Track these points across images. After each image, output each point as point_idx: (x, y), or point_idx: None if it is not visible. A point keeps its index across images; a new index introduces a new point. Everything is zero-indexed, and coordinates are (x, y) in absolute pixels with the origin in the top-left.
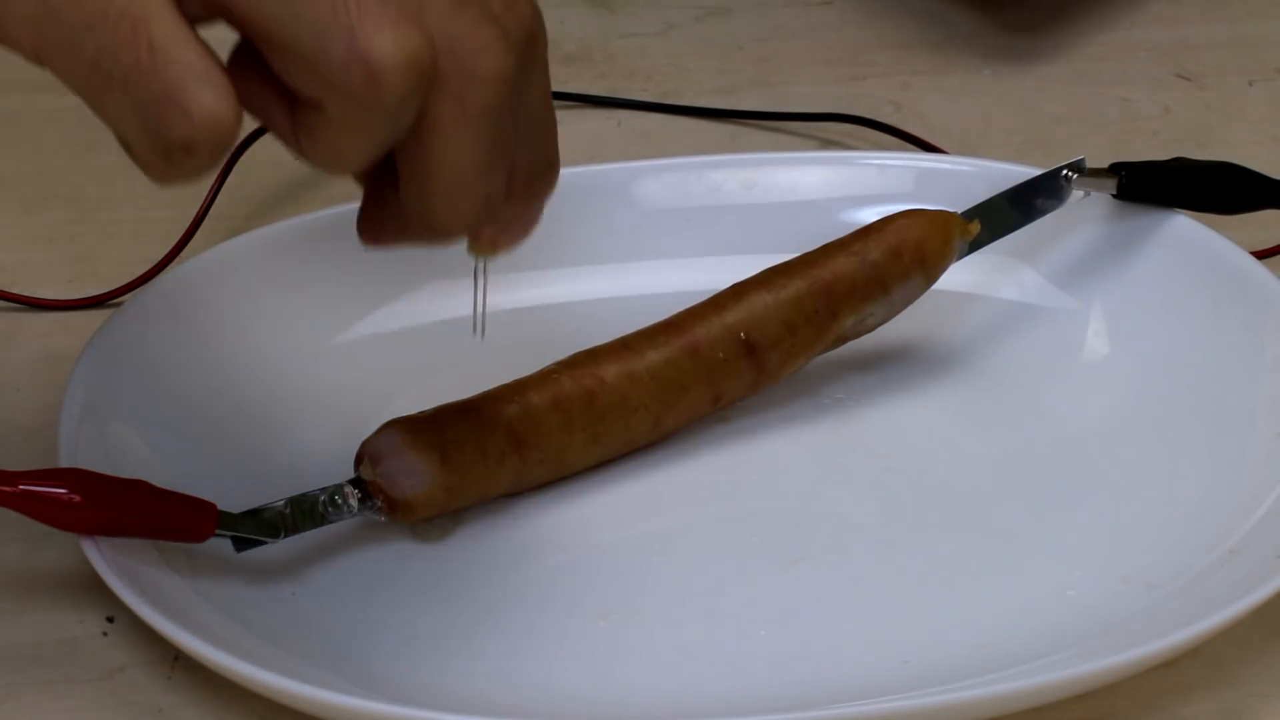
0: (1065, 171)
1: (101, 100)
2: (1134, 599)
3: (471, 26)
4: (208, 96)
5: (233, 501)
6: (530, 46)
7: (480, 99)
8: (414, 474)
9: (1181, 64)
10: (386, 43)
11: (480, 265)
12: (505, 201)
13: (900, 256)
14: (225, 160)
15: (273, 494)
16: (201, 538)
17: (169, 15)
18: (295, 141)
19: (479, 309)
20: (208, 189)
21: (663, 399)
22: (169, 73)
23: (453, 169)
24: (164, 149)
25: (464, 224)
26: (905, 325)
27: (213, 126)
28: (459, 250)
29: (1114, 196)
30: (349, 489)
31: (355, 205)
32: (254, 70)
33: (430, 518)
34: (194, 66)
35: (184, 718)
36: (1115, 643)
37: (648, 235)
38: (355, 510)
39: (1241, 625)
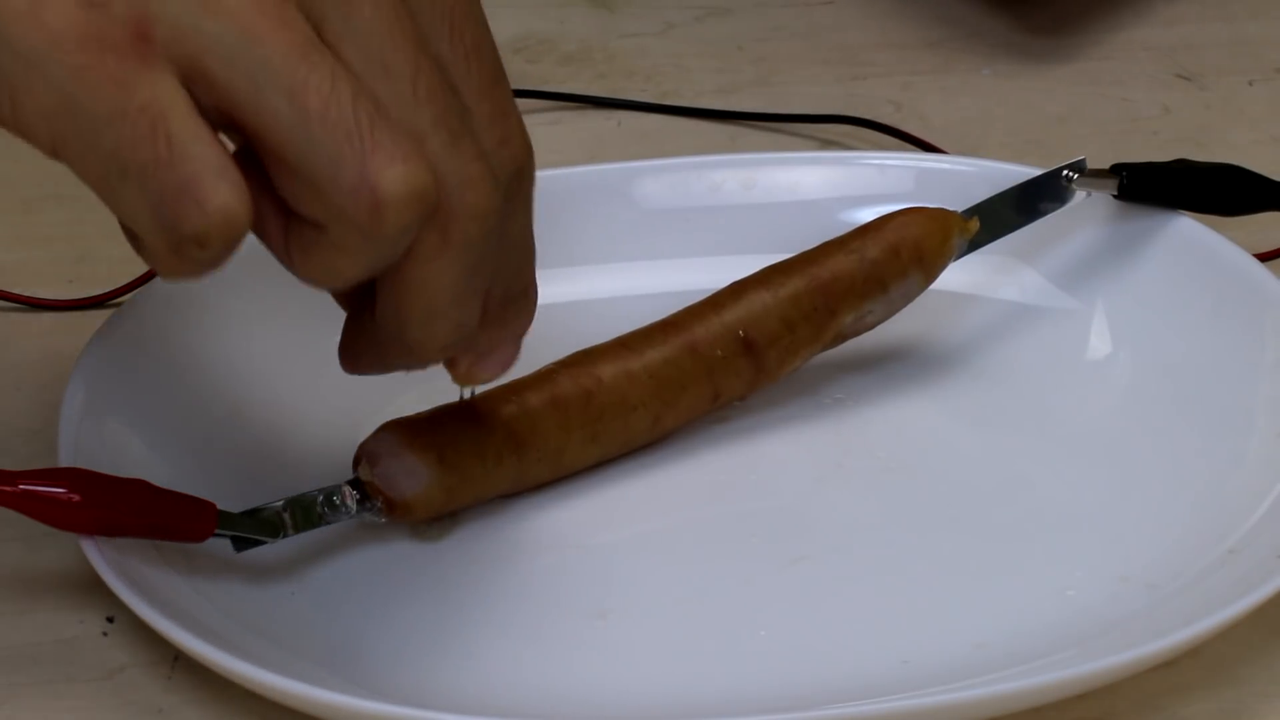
0: (1066, 172)
1: (116, 193)
2: (1134, 599)
3: (464, 162)
4: (223, 191)
5: (232, 501)
6: (517, 181)
7: (463, 232)
8: (412, 475)
9: (1181, 64)
10: (395, 176)
11: (465, 393)
12: (481, 329)
13: (899, 254)
14: (232, 257)
15: (272, 494)
16: (201, 537)
17: (187, 113)
18: (286, 254)
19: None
20: None
21: (661, 398)
22: (186, 167)
23: (429, 294)
24: (176, 242)
25: (437, 348)
26: (905, 325)
27: (227, 220)
28: None
29: (1115, 197)
30: (347, 490)
31: None
32: (253, 179)
33: (429, 518)
34: (210, 162)
35: (184, 718)
36: (1115, 643)
37: (648, 235)
38: (354, 511)
39: (1241, 625)
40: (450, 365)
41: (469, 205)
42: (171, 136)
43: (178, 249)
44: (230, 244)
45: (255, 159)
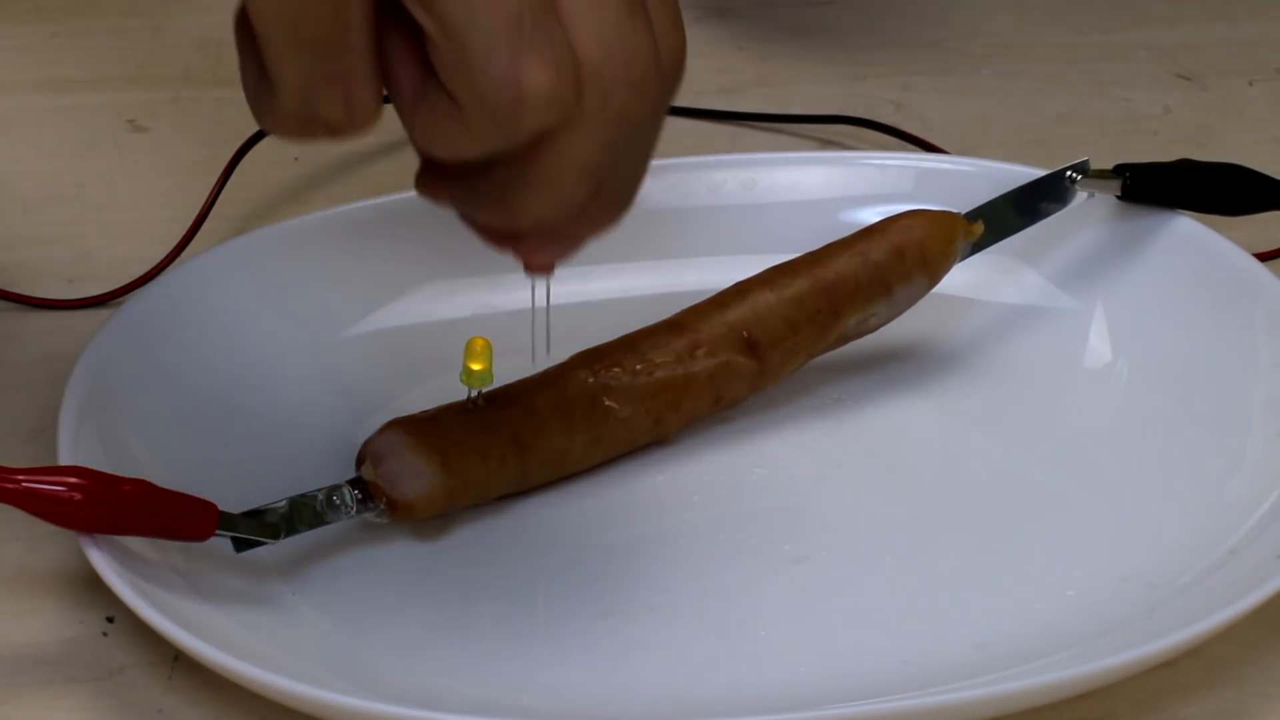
0: (1069, 173)
1: (276, 49)
2: (1134, 599)
3: (635, 34)
4: (368, 95)
5: (233, 501)
6: (674, 75)
7: (621, 103)
8: (415, 476)
9: (1181, 64)
10: (543, 79)
11: (472, 393)
12: (570, 228)
13: (903, 257)
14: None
15: (272, 493)
16: (201, 537)
17: (366, 3)
18: (411, 112)
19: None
20: (208, 189)
21: (665, 400)
22: (349, 59)
23: (562, 160)
24: (307, 117)
25: (543, 217)
26: (907, 325)
27: (360, 121)
28: (458, 252)
29: (1118, 198)
30: (349, 490)
31: (356, 205)
32: (401, 36)
33: (430, 518)
34: (368, 60)
35: (184, 718)
36: (1115, 643)
37: (648, 235)
38: (355, 511)
39: (1241, 625)
40: (517, 252)
41: (634, 77)
42: (349, 24)
43: (305, 122)
44: (349, 138)
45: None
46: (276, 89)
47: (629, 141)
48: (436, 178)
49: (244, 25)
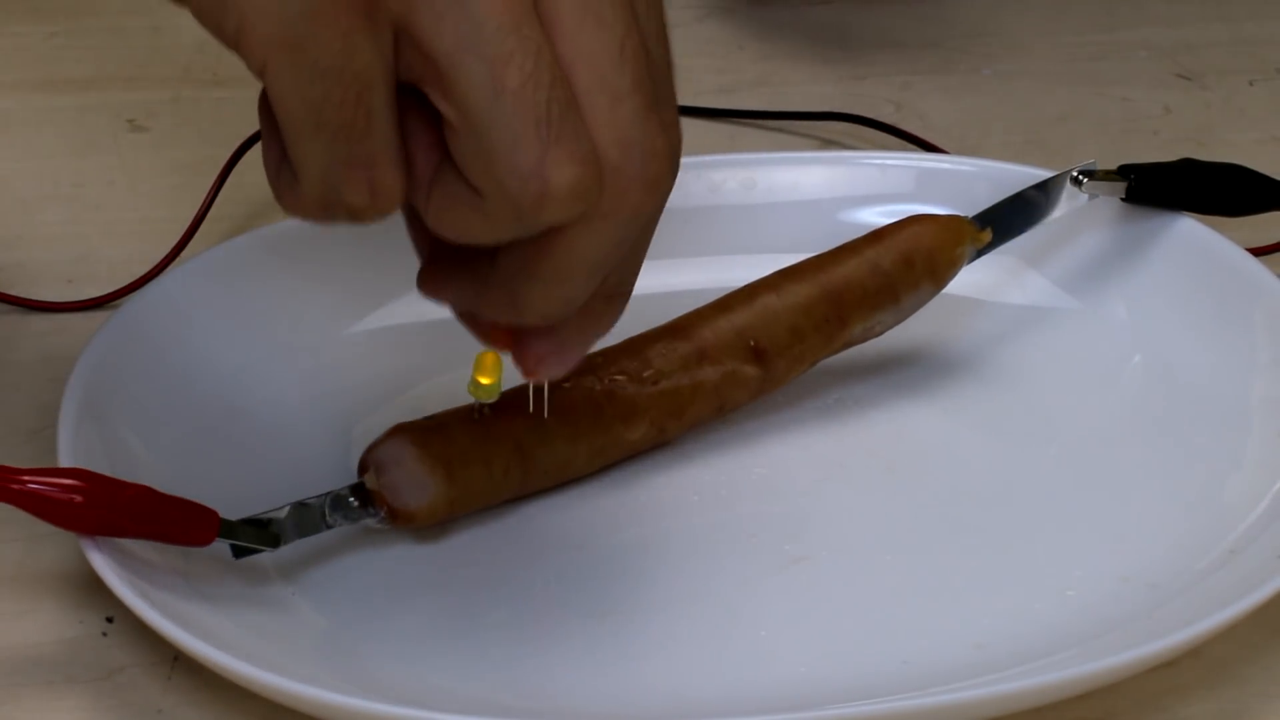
0: (1075, 175)
1: (299, 136)
2: (1134, 599)
3: (652, 133)
4: (391, 179)
5: (231, 500)
6: (676, 171)
7: (636, 200)
8: (419, 487)
9: (1181, 64)
10: (567, 176)
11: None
12: (569, 329)
13: (912, 265)
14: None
15: (272, 493)
16: (201, 544)
17: (390, 88)
18: (424, 198)
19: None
20: (208, 189)
21: (669, 409)
22: (372, 144)
23: (574, 256)
24: (331, 202)
25: (549, 313)
26: (909, 326)
27: (384, 205)
28: None
29: (1123, 200)
30: (351, 497)
31: None
32: (418, 119)
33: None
34: (392, 145)
35: (184, 718)
36: (1115, 643)
37: None
38: (356, 518)
39: (1241, 625)
40: (520, 356)
41: (650, 176)
42: (372, 111)
43: (328, 206)
44: (372, 222)
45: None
46: (299, 173)
47: (638, 239)
48: (440, 273)
49: (266, 107)
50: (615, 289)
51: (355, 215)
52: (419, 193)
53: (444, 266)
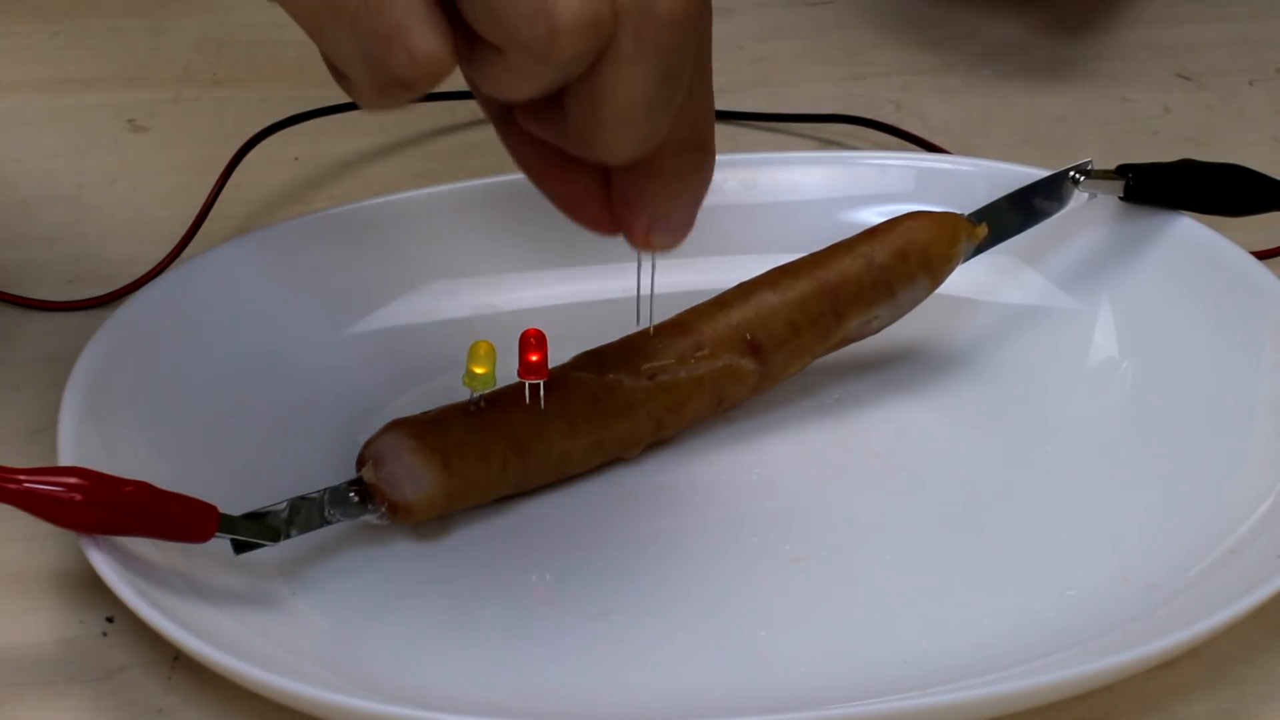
0: (1072, 174)
1: (327, 34)
2: (1134, 599)
3: None
4: (430, 37)
5: (232, 500)
6: (706, 4)
7: (659, 38)
8: (416, 479)
9: (1181, 64)
10: (572, 7)
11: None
12: (659, 186)
13: (907, 259)
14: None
15: (272, 493)
16: (201, 539)
17: None
18: (467, 72)
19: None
20: (208, 189)
21: (667, 403)
22: (395, 13)
23: (622, 98)
24: (384, 83)
25: (625, 153)
26: (908, 326)
27: (433, 66)
28: (458, 252)
29: (1121, 199)
30: (350, 491)
31: (355, 205)
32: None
33: (430, 519)
34: (418, 7)
35: (184, 718)
36: (1115, 643)
37: None
38: (355, 513)
39: (1241, 625)
40: (629, 230)
41: (666, 9)
42: None
43: (384, 89)
44: (434, 85)
45: None
46: (345, 69)
47: (681, 64)
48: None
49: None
50: (691, 140)
51: (409, 86)
52: (463, 63)
53: (528, 144)
